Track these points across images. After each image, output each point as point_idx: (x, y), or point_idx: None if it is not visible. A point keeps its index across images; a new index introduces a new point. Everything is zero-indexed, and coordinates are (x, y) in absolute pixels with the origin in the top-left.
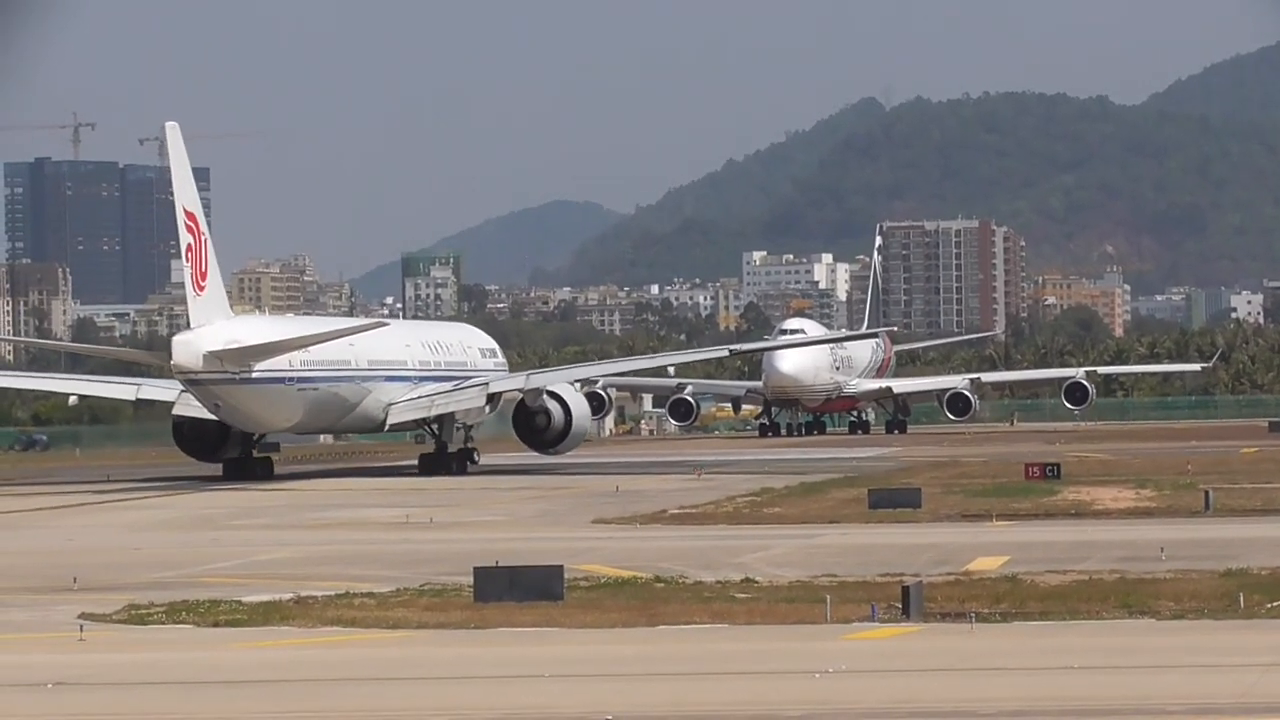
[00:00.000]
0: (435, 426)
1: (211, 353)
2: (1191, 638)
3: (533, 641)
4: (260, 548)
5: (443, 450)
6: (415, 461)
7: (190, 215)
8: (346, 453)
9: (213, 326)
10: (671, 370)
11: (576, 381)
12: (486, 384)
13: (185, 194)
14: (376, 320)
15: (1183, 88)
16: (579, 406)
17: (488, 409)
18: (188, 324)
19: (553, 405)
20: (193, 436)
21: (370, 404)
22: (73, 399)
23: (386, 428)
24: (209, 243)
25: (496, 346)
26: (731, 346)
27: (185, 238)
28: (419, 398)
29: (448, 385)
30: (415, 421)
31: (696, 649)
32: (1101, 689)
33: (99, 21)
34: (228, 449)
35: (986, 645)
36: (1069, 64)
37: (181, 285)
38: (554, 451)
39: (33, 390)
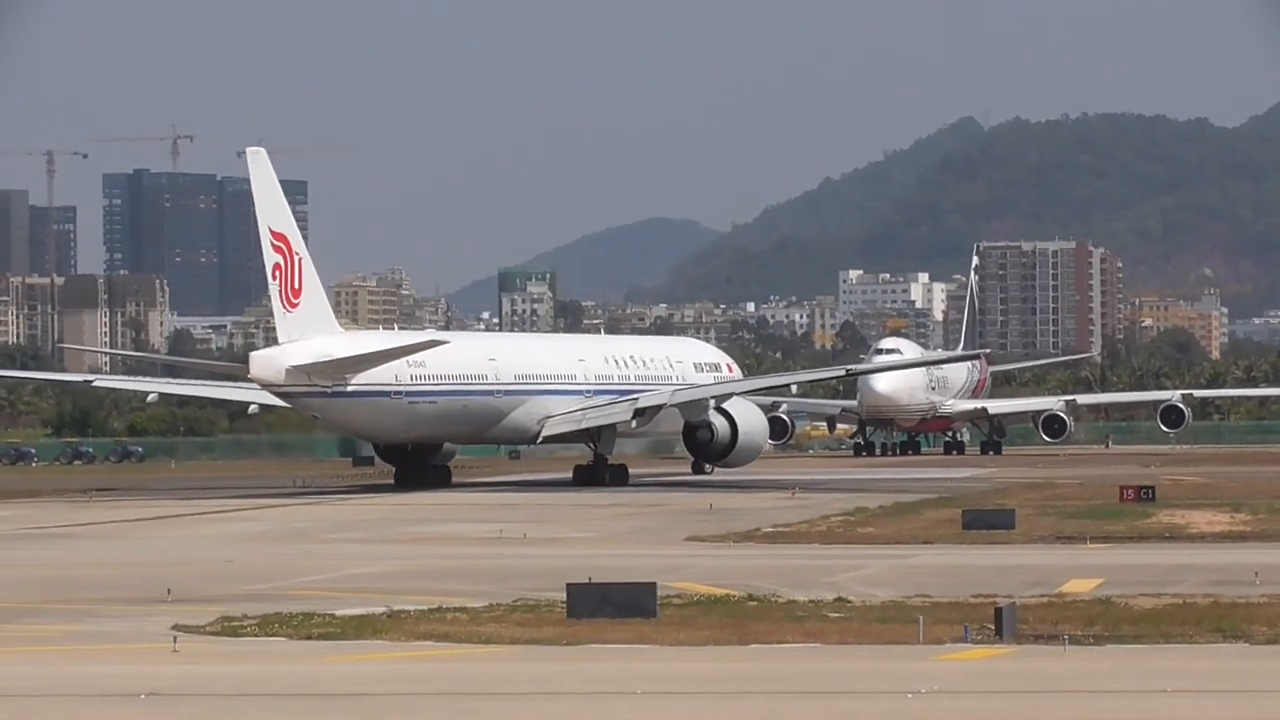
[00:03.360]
0: (595, 440)
1: (297, 367)
2: None
3: (625, 658)
4: (353, 561)
5: (599, 462)
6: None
7: (279, 236)
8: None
9: (305, 342)
10: (794, 389)
11: (711, 398)
12: (636, 399)
13: (272, 215)
14: (430, 338)
15: None
16: (749, 422)
17: (634, 423)
18: (276, 340)
19: (717, 420)
20: (386, 444)
21: (520, 416)
22: (253, 408)
23: (540, 440)
24: (304, 261)
25: (724, 361)
26: (849, 367)
27: (273, 257)
28: (571, 412)
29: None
30: (573, 434)
31: (788, 668)
32: (1194, 713)
33: (199, 34)
34: (407, 458)
35: (1079, 667)
36: (1168, 85)
37: None
38: (723, 465)
39: (216, 399)
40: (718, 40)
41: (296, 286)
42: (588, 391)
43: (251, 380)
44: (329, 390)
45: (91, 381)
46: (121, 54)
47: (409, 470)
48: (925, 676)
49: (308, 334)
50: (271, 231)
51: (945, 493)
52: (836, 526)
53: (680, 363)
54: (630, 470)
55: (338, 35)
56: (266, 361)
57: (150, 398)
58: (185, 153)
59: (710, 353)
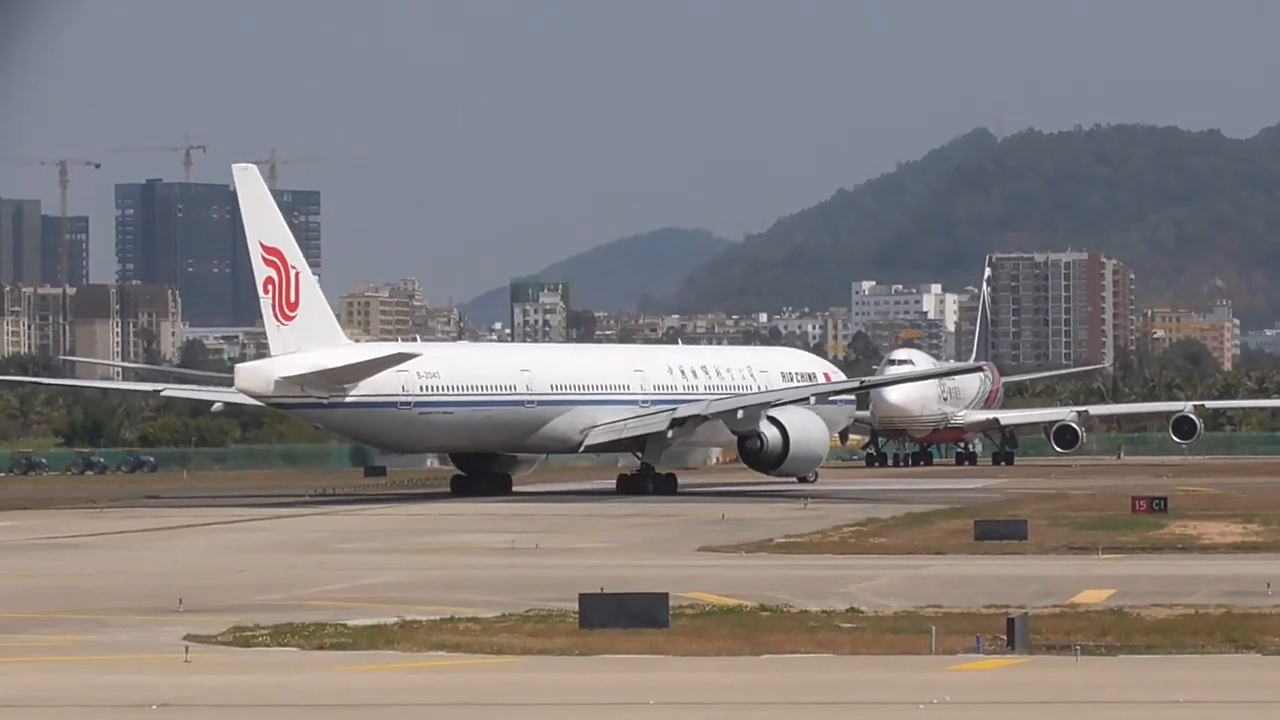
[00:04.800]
0: (640, 450)
1: (288, 378)
2: None
3: (637, 669)
4: (366, 571)
5: (644, 471)
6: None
7: (272, 250)
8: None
9: (302, 354)
10: (813, 400)
11: (741, 409)
12: (674, 409)
13: (263, 230)
14: (397, 351)
15: None
16: (804, 431)
17: (669, 433)
18: (269, 352)
19: (767, 429)
20: (457, 455)
21: (561, 426)
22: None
23: (582, 449)
24: (302, 274)
25: (821, 370)
26: (863, 379)
27: (265, 271)
28: (613, 422)
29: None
30: (616, 444)
31: (801, 678)
32: None
33: (211, 44)
34: (475, 465)
35: (1091, 678)
36: (1180, 97)
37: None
38: (777, 474)
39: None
40: (731, 50)
41: (293, 300)
42: (644, 402)
43: (239, 392)
44: (326, 401)
45: (160, 390)
46: (134, 64)
47: (471, 477)
48: (938, 687)
49: (307, 346)
50: (263, 246)
51: (957, 503)
52: (849, 537)
53: (765, 372)
54: (697, 480)
55: (349, 45)
56: (254, 373)
57: (215, 406)
58: (198, 163)
59: (807, 362)
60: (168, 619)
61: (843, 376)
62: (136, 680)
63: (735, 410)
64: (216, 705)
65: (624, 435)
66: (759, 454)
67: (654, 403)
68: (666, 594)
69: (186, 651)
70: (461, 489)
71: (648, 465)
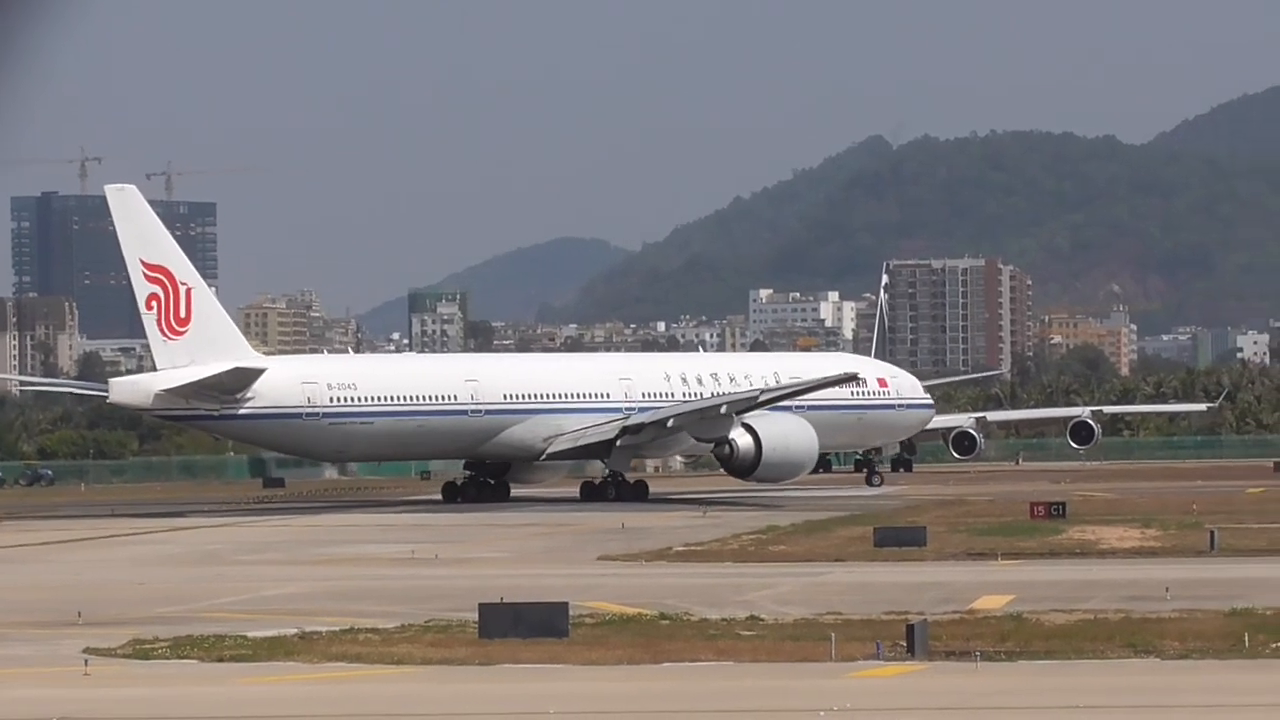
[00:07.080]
0: (605, 457)
1: (170, 391)
2: (1196, 677)
3: (537, 678)
4: (266, 583)
5: (611, 478)
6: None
7: (156, 268)
8: (353, 487)
9: (194, 367)
10: (724, 409)
11: (672, 417)
12: (626, 417)
13: (143, 249)
14: (234, 366)
15: (1190, 127)
16: (781, 437)
17: (619, 441)
18: (154, 367)
19: (739, 436)
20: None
21: (520, 434)
22: None
23: (544, 457)
24: (194, 290)
25: (876, 376)
26: (760, 389)
27: (147, 288)
28: (574, 430)
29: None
30: (577, 451)
31: (701, 686)
32: None
33: (107, 55)
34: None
35: (991, 684)
36: (1076, 103)
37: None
38: (753, 480)
39: None
40: (625, 60)
41: (182, 315)
42: (628, 410)
43: (113, 405)
44: (217, 414)
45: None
46: (27, 74)
47: (454, 486)
48: (838, 694)
49: (203, 359)
50: (145, 264)
51: (856, 510)
52: (748, 545)
53: (795, 378)
54: (677, 487)
55: (244, 57)
56: (131, 388)
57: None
58: (94, 175)
59: (858, 367)
60: (67, 632)
61: (913, 381)
62: (36, 694)
63: (666, 419)
64: (117, 718)
65: (580, 443)
66: (730, 461)
67: (642, 410)
68: (566, 603)
69: (86, 664)
70: (452, 496)
71: (615, 472)
